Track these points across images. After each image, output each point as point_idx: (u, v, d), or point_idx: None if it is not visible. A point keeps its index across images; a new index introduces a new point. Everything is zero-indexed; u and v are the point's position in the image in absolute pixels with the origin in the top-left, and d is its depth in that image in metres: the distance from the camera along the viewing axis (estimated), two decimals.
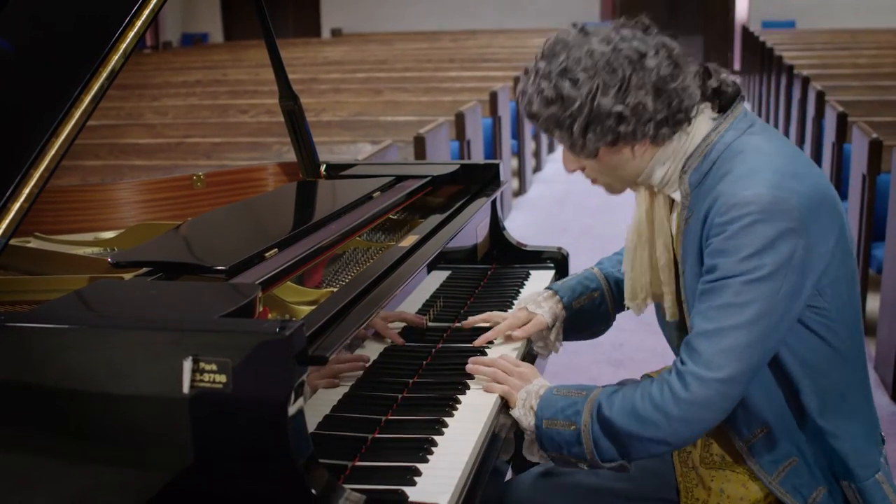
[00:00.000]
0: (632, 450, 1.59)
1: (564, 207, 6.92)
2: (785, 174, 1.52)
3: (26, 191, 1.52)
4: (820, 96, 5.95)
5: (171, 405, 1.30)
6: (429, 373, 1.88)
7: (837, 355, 1.61)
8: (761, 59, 9.91)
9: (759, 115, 9.84)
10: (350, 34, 14.83)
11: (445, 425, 1.65)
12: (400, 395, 1.77)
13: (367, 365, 1.69)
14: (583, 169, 1.70)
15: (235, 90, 7.82)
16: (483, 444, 1.62)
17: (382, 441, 1.61)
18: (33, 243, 2.22)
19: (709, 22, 15.74)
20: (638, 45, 1.57)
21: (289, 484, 1.29)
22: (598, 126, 1.57)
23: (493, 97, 6.70)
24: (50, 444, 1.38)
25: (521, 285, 2.42)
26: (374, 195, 2.32)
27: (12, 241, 1.57)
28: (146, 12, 1.67)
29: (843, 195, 4.67)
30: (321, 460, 1.34)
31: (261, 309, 1.50)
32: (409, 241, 2.02)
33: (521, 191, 7.42)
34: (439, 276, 2.15)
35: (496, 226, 2.61)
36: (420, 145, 4.77)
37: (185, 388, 1.28)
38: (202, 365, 1.28)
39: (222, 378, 1.28)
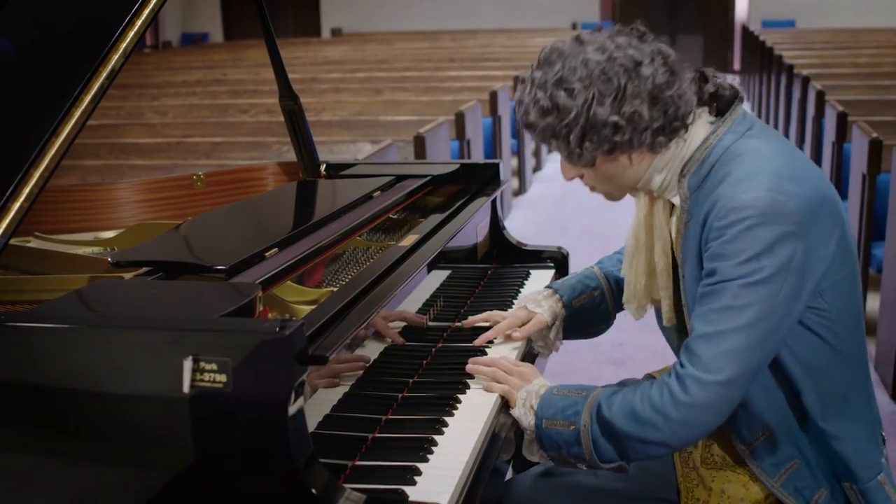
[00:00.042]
0: (630, 451, 1.58)
1: (564, 207, 6.92)
2: (784, 177, 1.52)
3: (26, 190, 1.52)
4: (820, 96, 5.95)
5: (171, 405, 1.30)
6: (429, 372, 1.89)
7: (839, 356, 1.61)
8: (761, 58, 9.91)
9: (759, 114, 9.84)
10: (350, 34, 14.84)
11: (445, 425, 1.65)
12: (400, 395, 1.77)
13: (368, 364, 1.69)
14: (581, 177, 1.70)
15: (235, 90, 7.83)
16: (483, 443, 1.62)
17: (382, 440, 1.61)
18: (33, 243, 2.22)
19: (709, 22, 15.73)
20: (633, 54, 1.56)
21: (289, 483, 1.29)
22: (595, 135, 1.56)
23: (493, 97, 6.70)
24: (50, 444, 1.38)
25: (521, 285, 2.42)
26: (374, 195, 2.32)
27: (12, 241, 1.57)
28: (146, 12, 1.67)
29: (843, 195, 4.67)
30: (321, 460, 1.34)
31: (261, 308, 1.50)
32: (409, 240, 2.02)
33: (520, 190, 7.42)
34: (439, 276, 2.15)
35: (496, 225, 2.61)
36: (420, 145, 4.77)
37: (186, 388, 1.28)
38: (202, 364, 1.28)
39: (222, 378, 1.28)
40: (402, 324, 1.88)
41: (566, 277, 2.11)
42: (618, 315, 2.08)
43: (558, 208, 6.93)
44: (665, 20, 15.40)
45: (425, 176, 2.51)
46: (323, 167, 2.66)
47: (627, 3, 15.60)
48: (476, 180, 2.61)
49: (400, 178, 2.50)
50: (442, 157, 5.11)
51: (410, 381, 1.83)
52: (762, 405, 1.62)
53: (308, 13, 16.84)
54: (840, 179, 4.96)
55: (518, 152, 7.38)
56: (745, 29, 13.35)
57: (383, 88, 7.50)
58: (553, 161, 8.83)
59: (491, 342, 2.00)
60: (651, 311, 1.86)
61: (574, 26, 14.16)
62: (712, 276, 1.53)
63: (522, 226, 6.32)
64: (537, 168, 8.44)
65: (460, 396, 1.76)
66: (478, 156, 6.06)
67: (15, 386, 1.38)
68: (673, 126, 1.58)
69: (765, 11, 15.01)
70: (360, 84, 7.87)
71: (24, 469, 1.40)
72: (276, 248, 1.79)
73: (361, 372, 1.66)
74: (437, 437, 1.60)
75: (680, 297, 1.69)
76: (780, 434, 1.64)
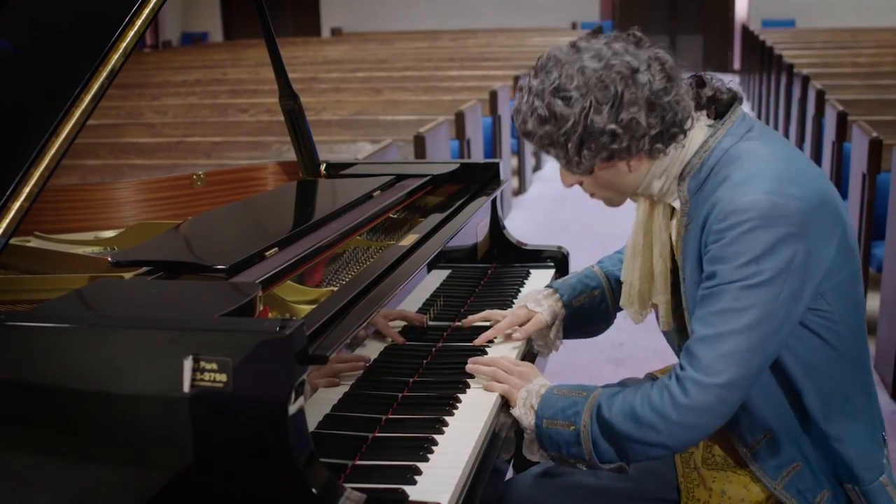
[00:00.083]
0: (630, 452, 1.58)
1: (564, 206, 6.92)
2: (783, 180, 1.51)
3: (26, 190, 1.52)
4: (820, 95, 5.95)
5: (171, 404, 1.30)
6: (429, 372, 1.89)
7: (840, 357, 1.61)
8: (761, 58, 9.90)
9: (759, 114, 9.84)
10: (350, 33, 14.84)
11: (446, 424, 1.65)
12: (400, 395, 1.77)
13: (368, 364, 1.69)
14: (580, 184, 1.70)
15: (235, 89, 7.83)
16: (483, 443, 1.62)
17: (383, 440, 1.61)
18: (33, 242, 2.22)
19: (709, 21, 15.73)
20: (630, 60, 1.56)
21: (289, 483, 1.29)
22: (593, 143, 1.56)
23: (493, 96, 6.70)
24: (50, 444, 1.38)
25: (522, 284, 2.42)
26: (375, 194, 2.32)
27: (12, 241, 1.57)
28: (146, 11, 1.67)
29: (843, 194, 4.67)
30: (322, 459, 1.33)
31: (261, 308, 1.50)
32: (410, 240, 2.02)
33: (520, 190, 7.42)
34: (439, 276, 2.15)
35: (496, 225, 2.61)
36: (420, 144, 4.77)
37: (186, 387, 1.28)
38: (202, 364, 1.28)
39: (223, 377, 1.28)
40: (403, 323, 1.88)
41: (566, 277, 2.12)
42: (618, 314, 2.08)
43: (558, 208, 6.93)
44: (665, 20, 15.40)
45: (425, 175, 2.51)
46: (323, 167, 2.66)
47: (627, 3, 15.60)
48: (476, 180, 2.61)
49: (400, 178, 2.50)
50: (442, 157, 5.11)
51: (411, 380, 1.83)
52: (764, 407, 1.62)
53: (308, 13, 16.84)
54: (840, 179, 4.96)
55: (518, 152, 7.38)
56: (745, 28, 13.35)
57: (383, 88, 7.50)
58: (553, 161, 8.81)
59: (491, 342, 2.00)
60: (651, 312, 1.86)
61: (574, 26, 14.16)
62: (712, 279, 1.53)
63: (522, 225, 6.32)
64: (537, 168, 8.44)
65: (460, 396, 1.76)
66: (478, 155, 6.06)
67: (15, 386, 1.38)
68: (671, 132, 1.58)
69: (765, 11, 15.01)
70: (360, 84, 7.87)
71: (24, 469, 1.40)
72: (277, 248, 1.79)
73: (362, 371, 1.66)
74: (437, 437, 1.60)
75: (681, 299, 1.69)
76: (782, 436, 1.64)
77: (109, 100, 6.66)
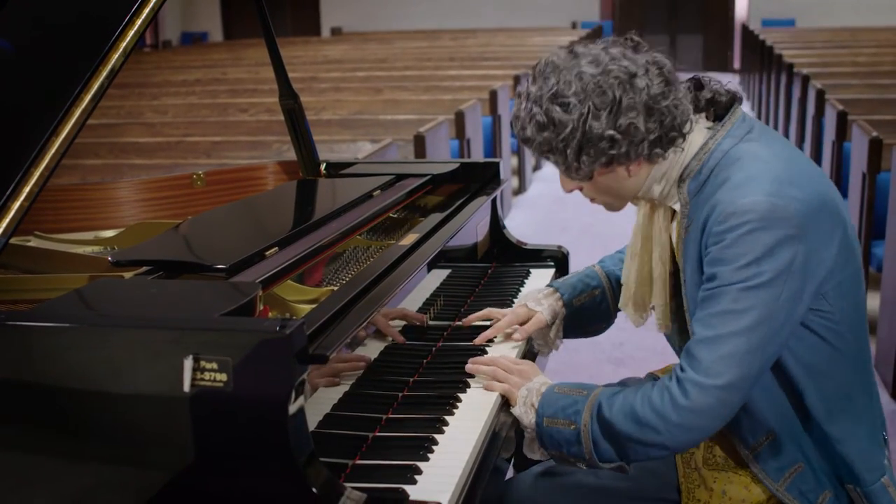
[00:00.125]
0: (630, 452, 1.59)
1: (564, 206, 6.91)
2: (783, 181, 1.51)
3: (26, 189, 1.52)
4: (820, 95, 5.95)
5: (171, 404, 1.30)
6: (429, 371, 1.88)
7: (841, 357, 1.61)
8: (761, 57, 9.90)
9: (759, 113, 9.83)
10: (350, 33, 14.84)
11: (446, 424, 1.65)
12: (400, 394, 1.77)
13: (368, 363, 1.69)
14: (580, 189, 1.70)
15: (235, 89, 7.83)
16: (484, 442, 1.62)
17: (383, 439, 1.61)
18: (33, 242, 2.22)
19: (709, 21, 15.73)
20: (627, 66, 1.56)
21: (289, 482, 1.29)
22: (592, 149, 1.56)
23: (493, 96, 6.70)
24: (50, 444, 1.38)
25: (522, 284, 2.42)
26: (374, 194, 2.32)
27: (12, 240, 1.57)
28: (146, 11, 1.67)
29: (843, 194, 4.67)
30: (322, 459, 1.33)
31: (261, 307, 1.50)
32: (410, 239, 2.02)
33: (520, 189, 7.42)
34: (439, 275, 2.14)
35: (496, 224, 2.61)
36: (420, 144, 4.77)
37: (186, 387, 1.28)
38: (203, 363, 1.28)
39: (223, 377, 1.28)
40: (403, 323, 1.88)
41: (567, 276, 2.11)
42: (618, 314, 2.08)
43: (558, 207, 6.93)
44: (665, 20, 15.40)
45: (425, 175, 2.51)
46: (323, 166, 2.66)
47: (627, 3, 15.59)
48: (476, 179, 2.61)
49: (400, 177, 2.50)
50: (442, 156, 5.11)
51: (411, 380, 1.83)
52: (766, 409, 1.62)
53: (308, 12, 16.83)
54: (840, 178, 4.96)
55: (518, 151, 7.38)
56: (744, 28, 13.34)
57: (383, 87, 7.50)
58: None
59: (491, 341, 2.00)
60: (651, 315, 1.86)
61: (574, 26, 14.16)
62: (712, 281, 1.53)
63: (522, 225, 6.32)
64: (537, 167, 8.43)
65: (461, 395, 1.76)
66: (478, 155, 6.06)
67: (15, 385, 1.38)
68: (670, 136, 1.58)
69: (765, 10, 15.01)
70: (360, 83, 7.87)
71: (24, 469, 1.39)
72: (277, 247, 1.79)
73: (362, 371, 1.66)
74: (437, 436, 1.60)
75: (682, 301, 1.69)
76: (783, 438, 1.64)
77: (109, 99, 6.66)
